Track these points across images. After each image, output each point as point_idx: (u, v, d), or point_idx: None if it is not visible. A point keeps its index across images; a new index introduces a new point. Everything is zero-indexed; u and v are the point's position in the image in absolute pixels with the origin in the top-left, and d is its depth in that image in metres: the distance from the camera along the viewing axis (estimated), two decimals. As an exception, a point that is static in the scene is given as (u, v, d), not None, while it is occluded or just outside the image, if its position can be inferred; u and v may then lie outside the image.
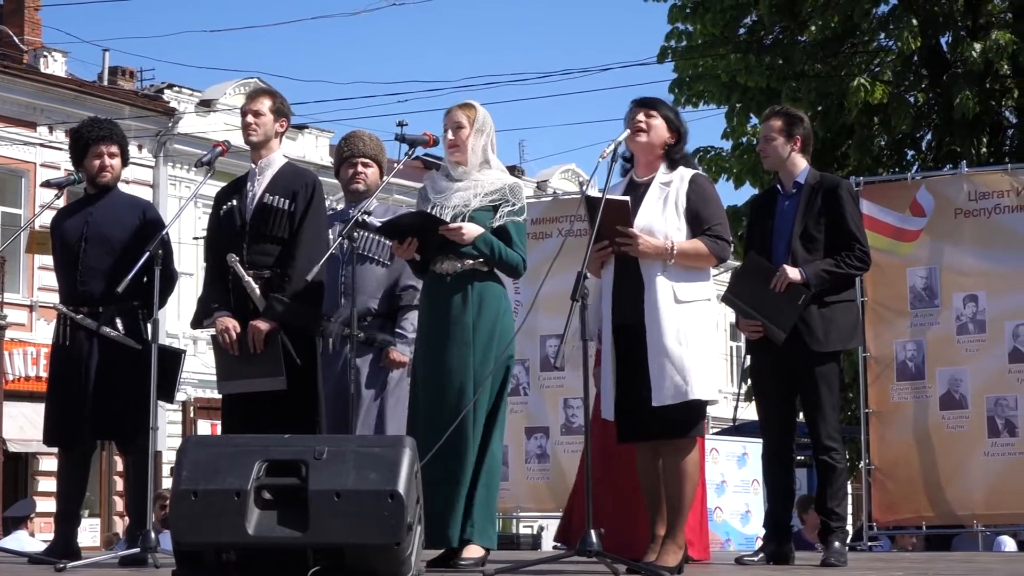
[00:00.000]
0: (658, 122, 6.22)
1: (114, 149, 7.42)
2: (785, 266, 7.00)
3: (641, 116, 6.22)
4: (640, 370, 5.94)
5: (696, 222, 6.09)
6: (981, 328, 10.45)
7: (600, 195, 6.03)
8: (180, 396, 24.84)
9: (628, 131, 6.22)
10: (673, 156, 6.24)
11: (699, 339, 5.99)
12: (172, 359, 7.35)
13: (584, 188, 6.86)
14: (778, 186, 7.38)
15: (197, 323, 7.09)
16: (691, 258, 6.04)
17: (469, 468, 6.31)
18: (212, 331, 6.90)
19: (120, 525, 23.76)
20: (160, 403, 6.82)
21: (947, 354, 10.55)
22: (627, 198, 6.04)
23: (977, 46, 16.02)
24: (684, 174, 6.19)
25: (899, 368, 10.68)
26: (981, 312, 10.45)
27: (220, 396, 7.03)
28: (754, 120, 18.43)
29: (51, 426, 7.33)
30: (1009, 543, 12.42)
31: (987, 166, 14.60)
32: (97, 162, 7.40)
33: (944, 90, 17.00)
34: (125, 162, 7.52)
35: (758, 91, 17.75)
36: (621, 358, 6.05)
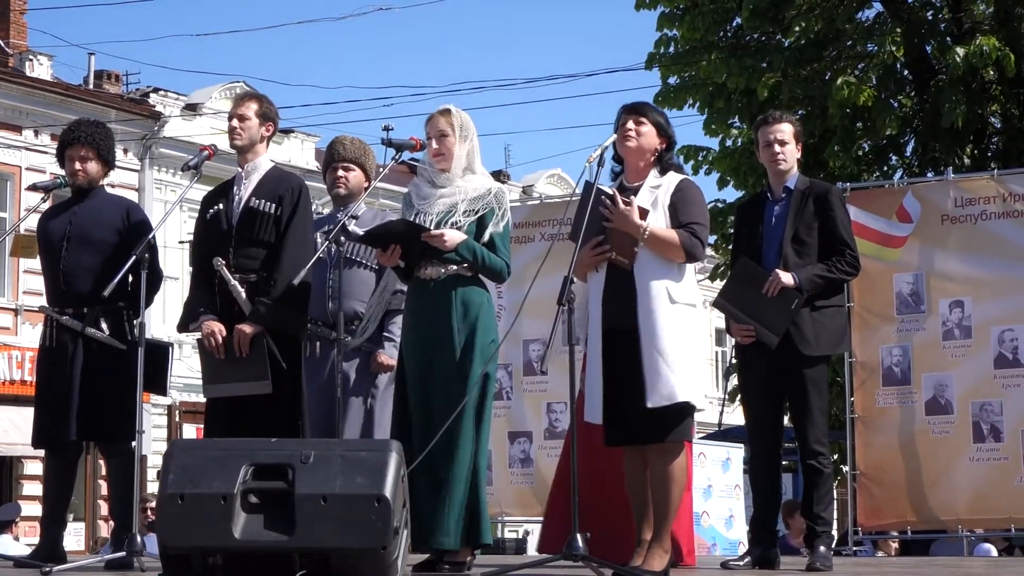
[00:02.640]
0: (648, 128, 6.24)
1: (85, 152, 7.40)
2: (778, 270, 7.02)
3: (631, 124, 6.24)
4: (631, 374, 5.94)
5: (675, 220, 6.09)
6: (967, 334, 10.48)
7: (606, 188, 6.06)
8: (166, 400, 24.80)
9: (615, 135, 6.24)
10: (664, 162, 6.25)
11: (691, 342, 6.01)
12: (160, 353, 7.33)
13: (579, 182, 6.70)
14: (767, 192, 7.39)
15: (183, 326, 7.07)
16: (662, 244, 6.01)
17: (456, 472, 6.30)
18: (198, 334, 6.90)
19: (105, 529, 23.71)
20: (146, 405, 6.80)
21: (933, 359, 10.57)
22: (631, 199, 6.04)
23: (960, 51, 16.03)
24: (673, 179, 6.21)
25: (885, 373, 10.70)
26: (967, 318, 10.48)
27: (205, 400, 7.03)
28: (735, 122, 18.47)
29: (38, 428, 7.31)
30: (991, 551, 12.43)
31: (973, 172, 14.63)
32: (69, 165, 7.41)
33: (931, 97, 17.02)
34: (107, 164, 7.49)
35: (739, 94, 17.77)
36: (609, 363, 6.05)
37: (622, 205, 5.97)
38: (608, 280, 6.11)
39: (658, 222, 6.06)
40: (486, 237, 6.47)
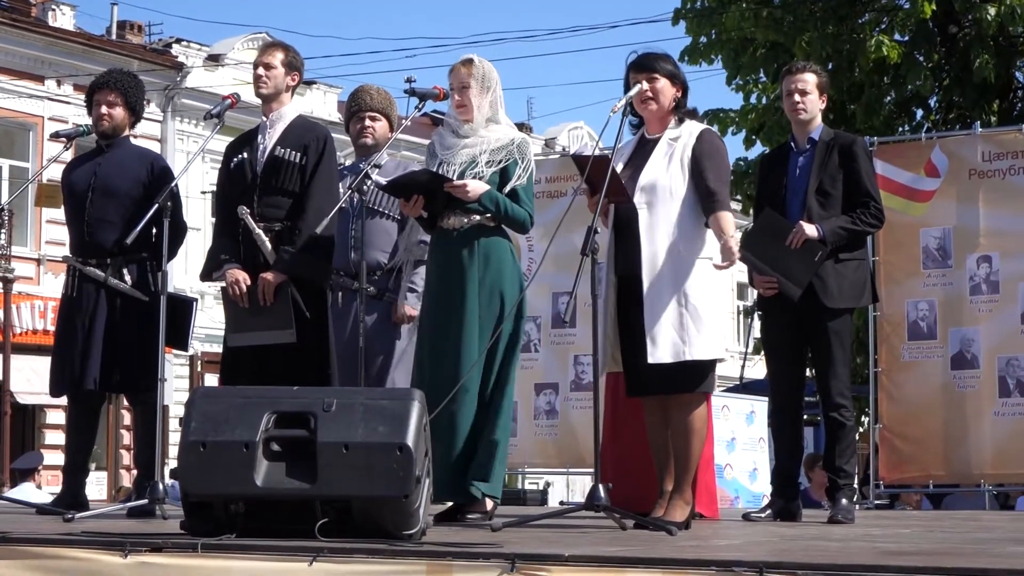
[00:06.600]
0: (662, 83, 6.16)
1: (112, 97, 7.37)
2: (802, 222, 6.97)
3: (645, 84, 6.15)
4: (640, 326, 5.91)
5: (696, 171, 6.01)
6: (994, 289, 10.45)
7: (585, 155, 6.05)
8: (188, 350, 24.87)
9: (639, 86, 6.15)
10: (680, 109, 6.18)
11: (702, 296, 5.93)
12: (184, 307, 7.33)
13: (602, 133, 6.69)
14: (791, 143, 7.34)
15: (206, 275, 7.06)
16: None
17: (476, 422, 6.29)
18: (221, 284, 6.88)
19: (128, 478, 23.83)
20: (168, 356, 6.79)
21: (959, 314, 10.55)
22: (606, 154, 5.99)
23: (991, 9, 15.96)
24: (692, 129, 6.14)
25: (911, 328, 10.69)
26: (995, 273, 10.45)
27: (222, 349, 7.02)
28: (760, 78, 18.35)
29: (55, 376, 7.31)
30: None
31: (1001, 127, 14.54)
32: (96, 110, 7.38)
33: (960, 53, 16.93)
34: (134, 112, 7.46)
35: (766, 47, 17.67)
36: (625, 312, 6.02)
37: (724, 261, 5.89)
38: (617, 228, 6.06)
39: (674, 176, 5.99)
40: (509, 188, 6.44)
